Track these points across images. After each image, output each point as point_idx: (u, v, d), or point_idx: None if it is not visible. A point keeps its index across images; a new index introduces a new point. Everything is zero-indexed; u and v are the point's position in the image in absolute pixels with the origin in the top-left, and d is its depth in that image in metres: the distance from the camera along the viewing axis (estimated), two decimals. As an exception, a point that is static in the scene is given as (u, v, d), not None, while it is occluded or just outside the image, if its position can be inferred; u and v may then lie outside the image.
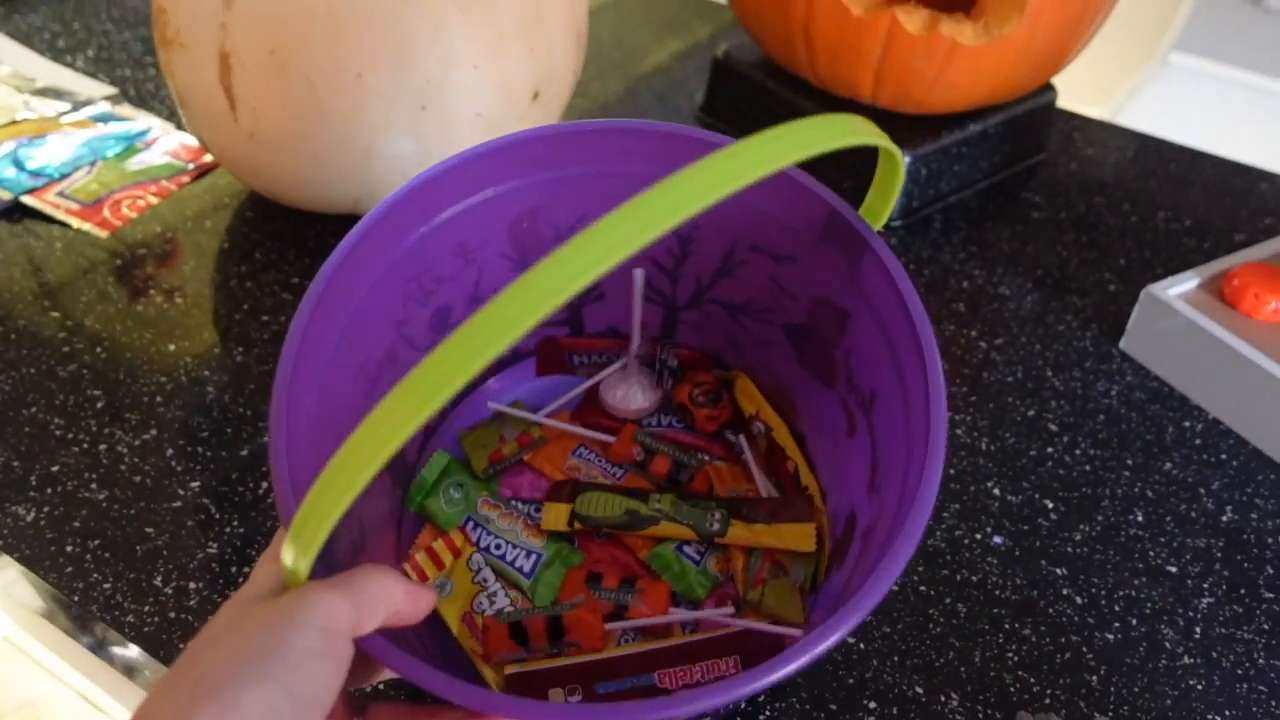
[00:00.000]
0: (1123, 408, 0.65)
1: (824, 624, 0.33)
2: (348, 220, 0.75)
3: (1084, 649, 0.52)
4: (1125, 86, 1.62)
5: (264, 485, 0.57)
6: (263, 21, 0.61)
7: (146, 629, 0.50)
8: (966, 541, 0.57)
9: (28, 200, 0.76)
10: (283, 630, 0.29)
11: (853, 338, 0.47)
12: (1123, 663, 0.52)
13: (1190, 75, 1.61)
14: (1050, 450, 0.62)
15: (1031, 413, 0.65)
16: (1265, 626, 0.54)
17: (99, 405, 0.61)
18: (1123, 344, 0.70)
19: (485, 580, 0.50)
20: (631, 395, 0.56)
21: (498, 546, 0.52)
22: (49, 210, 0.75)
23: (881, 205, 0.43)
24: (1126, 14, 1.35)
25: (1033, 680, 0.51)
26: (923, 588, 0.54)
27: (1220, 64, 1.59)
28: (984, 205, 0.83)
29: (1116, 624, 0.53)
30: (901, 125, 0.78)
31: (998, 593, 0.54)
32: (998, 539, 0.57)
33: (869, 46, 0.73)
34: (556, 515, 0.52)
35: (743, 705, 0.49)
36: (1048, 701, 0.50)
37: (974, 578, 0.55)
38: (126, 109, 0.87)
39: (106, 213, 0.76)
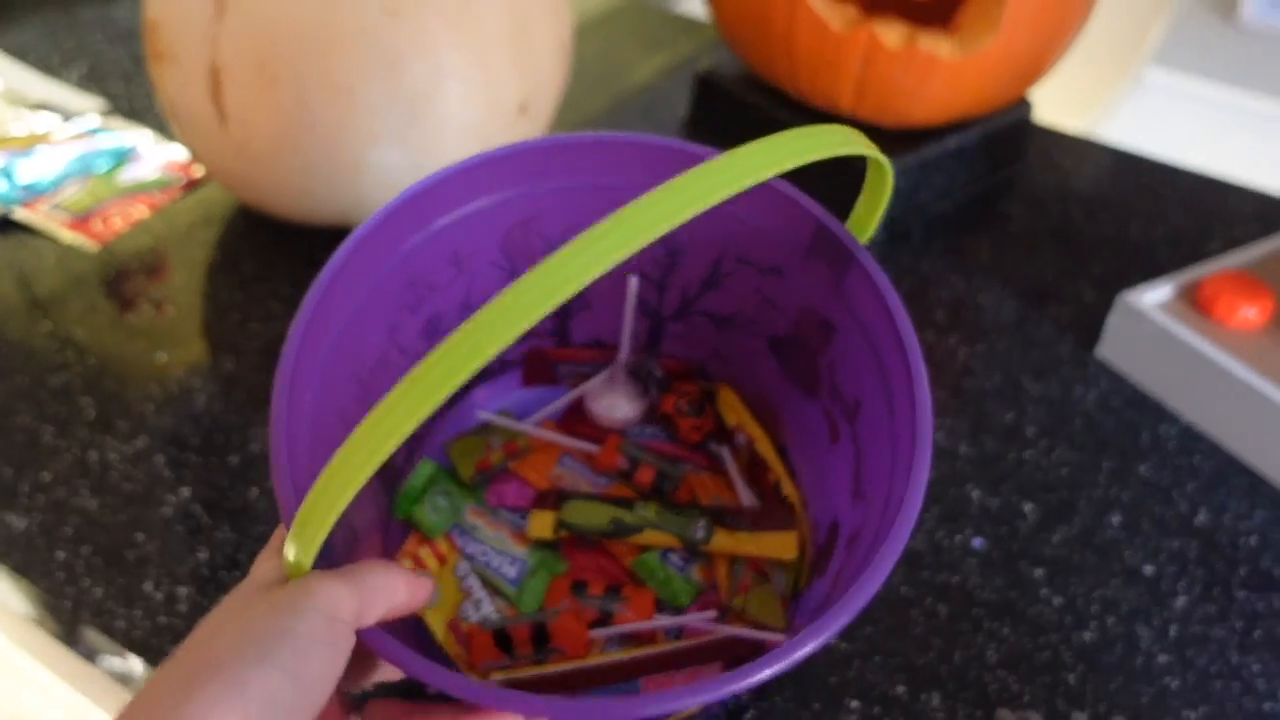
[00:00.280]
0: (1099, 413, 0.67)
1: (812, 625, 0.34)
2: (337, 232, 0.76)
3: (1062, 648, 0.53)
4: (1103, 102, 1.65)
5: (253, 492, 0.58)
6: (253, 36, 0.62)
7: (137, 634, 0.51)
8: (947, 544, 0.58)
9: (19, 213, 0.77)
10: (287, 616, 0.29)
11: (837, 349, 0.47)
12: (1100, 661, 0.53)
13: (1166, 91, 1.64)
14: (1029, 454, 0.63)
15: (1010, 418, 0.66)
16: (1238, 625, 0.55)
17: (90, 414, 0.62)
18: (1099, 351, 0.71)
19: (471, 588, 0.51)
20: (617, 405, 0.57)
21: (483, 554, 0.52)
22: (40, 223, 0.76)
23: (868, 218, 0.44)
24: (1104, 31, 1.37)
25: (1012, 679, 0.51)
26: (904, 589, 0.55)
27: (1195, 79, 1.62)
28: (963, 216, 0.84)
29: (1094, 623, 0.54)
30: (882, 138, 0.79)
31: (978, 594, 0.55)
32: (977, 541, 0.58)
33: (849, 61, 0.74)
34: (542, 523, 0.52)
35: (728, 705, 0.50)
36: (1027, 700, 0.51)
37: (954, 579, 0.56)
38: (117, 123, 0.87)
39: (97, 226, 0.76)
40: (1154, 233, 0.83)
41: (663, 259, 0.53)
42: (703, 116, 0.90)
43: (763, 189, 0.47)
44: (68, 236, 0.75)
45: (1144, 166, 0.92)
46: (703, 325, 0.56)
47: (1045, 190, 0.88)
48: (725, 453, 0.56)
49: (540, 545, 0.53)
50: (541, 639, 0.48)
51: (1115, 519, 0.60)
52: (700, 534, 0.51)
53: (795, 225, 0.47)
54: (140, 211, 0.78)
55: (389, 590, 0.33)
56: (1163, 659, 0.53)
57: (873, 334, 0.44)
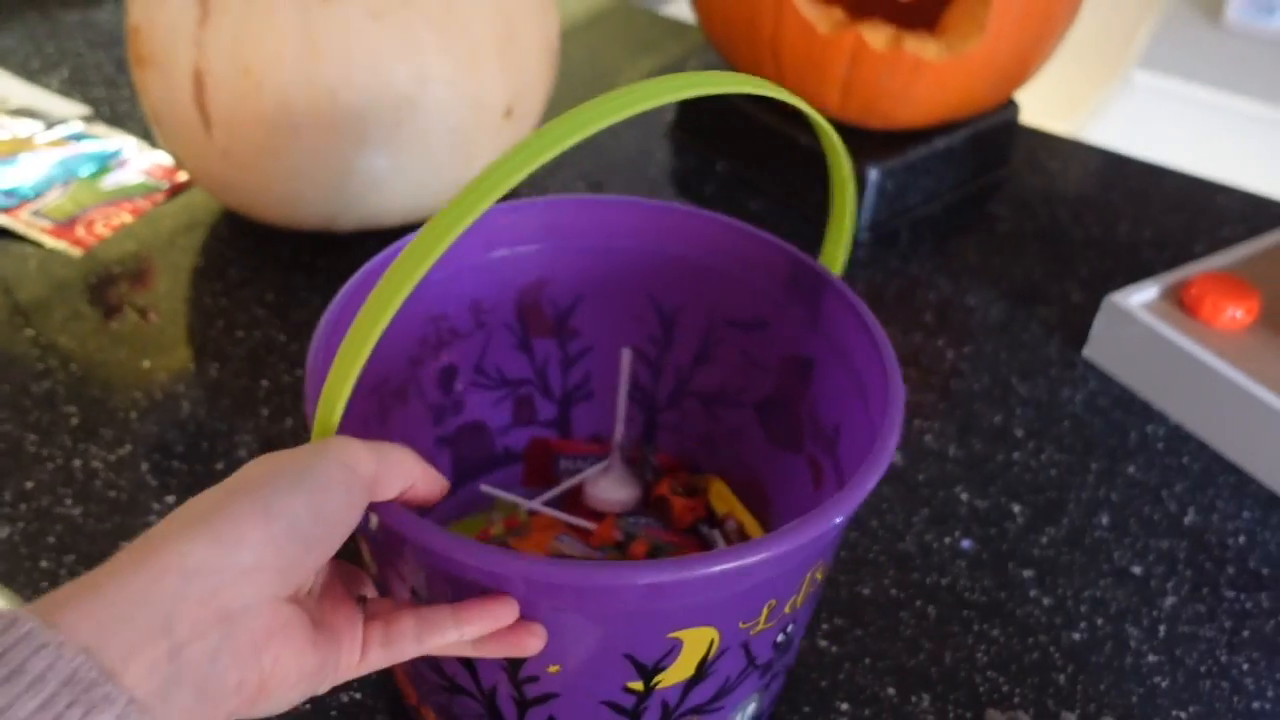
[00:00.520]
0: (1087, 414, 0.67)
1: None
2: (322, 237, 0.76)
3: (1051, 649, 0.53)
4: (1089, 104, 1.65)
5: (239, 499, 0.57)
6: (237, 40, 0.62)
7: (121, 643, 0.50)
8: (936, 545, 0.58)
9: (1, 220, 0.76)
10: (313, 459, 0.32)
11: (816, 386, 0.49)
12: (1089, 662, 0.53)
13: (1152, 92, 1.64)
14: (1017, 455, 0.63)
15: (998, 419, 0.66)
16: (1227, 624, 0.55)
17: (73, 422, 0.61)
18: (1086, 352, 0.71)
19: None
20: (613, 489, 0.58)
21: None
22: (22, 229, 0.76)
23: (837, 249, 0.48)
24: (1090, 34, 1.37)
25: (1002, 680, 0.51)
26: (894, 591, 0.55)
27: (1182, 81, 1.62)
28: (950, 218, 0.84)
29: (1083, 624, 0.54)
30: (869, 140, 0.79)
31: (967, 595, 0.55)
32: (966, 543, 0.58)
33: (835, 63, 0.74)
34: None
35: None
36: (1016, 700, 0.51)
37: (943, 581, 0.56)
38: (100, 128, 0.87)
39: (80, 231, 0.76)
40: (1141, 234, 0.83)
41: (659, 334, 0.54)
42: (690, 119, 0.90)
43: (741, 238, 0.50)
44: (50, 242, 0.75)
45: (1130, 168, 0.92)
46: (694, 409, 0.57)
47: (1032, 192, 0.88)
48: (716, 535, 0.57)
49: None
50: None
51: (1104, 519, 0.60)
52: None
53: (774, 269, 0.50)
54: (124, 217, 0.78)
55: (405, 468, 0.35)
56: (1152, 659, 0.53)
57: (848, 354, 0.46)
